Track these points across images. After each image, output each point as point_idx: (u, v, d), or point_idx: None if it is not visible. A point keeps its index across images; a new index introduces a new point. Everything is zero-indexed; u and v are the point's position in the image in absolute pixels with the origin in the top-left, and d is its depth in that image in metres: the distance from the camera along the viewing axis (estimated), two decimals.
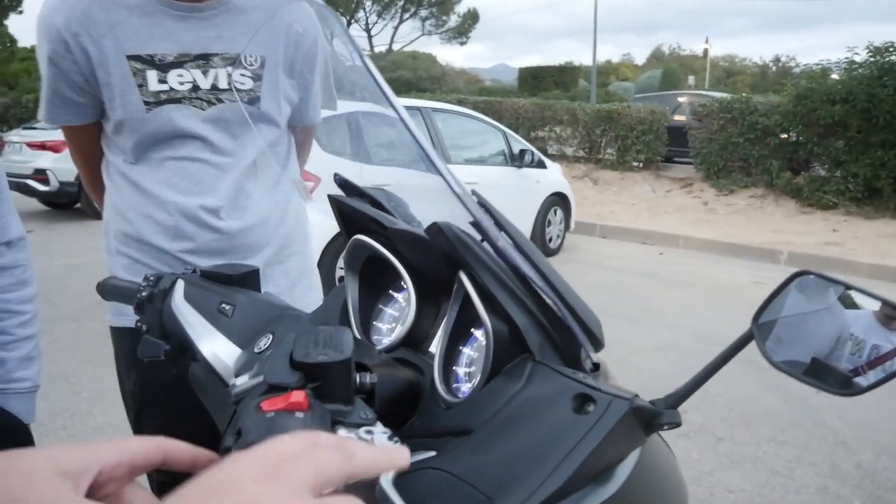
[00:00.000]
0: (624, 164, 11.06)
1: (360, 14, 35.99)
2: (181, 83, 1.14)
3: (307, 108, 1.32)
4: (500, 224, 0.69)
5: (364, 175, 4.39)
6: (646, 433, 0.66)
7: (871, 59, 8.17)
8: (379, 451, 0.44)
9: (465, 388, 0.76)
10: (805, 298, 0.73)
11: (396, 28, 37.87)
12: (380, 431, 0.53)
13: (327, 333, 0.58)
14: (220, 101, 1.17)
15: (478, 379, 0.73)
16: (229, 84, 1.17)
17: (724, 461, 2.78)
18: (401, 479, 0.62)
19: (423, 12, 36.78)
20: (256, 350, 0.71)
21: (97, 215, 1.31)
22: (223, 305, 0.78)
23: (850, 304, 0.71)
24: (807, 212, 8.51)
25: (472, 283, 0.69)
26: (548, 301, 0.68)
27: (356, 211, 0.87)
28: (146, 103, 1.12)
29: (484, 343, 0.77)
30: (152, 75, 1.12)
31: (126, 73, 1.11)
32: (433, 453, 0.64)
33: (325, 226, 4.41)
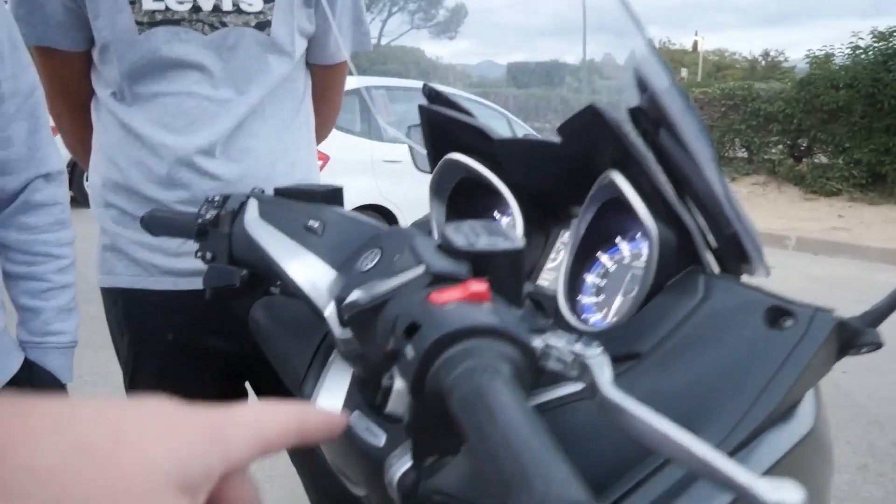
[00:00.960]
0: None
1: None
2: (180, 2, 0.98)
3: (327, 43, 1.14)
4: (668, 106, 0.57)
5: (375, 153, 4.27)
6: (837, 356, 0.55)
7: (876, 45, 8.12)
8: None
9: (595, 318, 0.64)
10: None
11: (385, 21, 37.62)
12: (570, 337, 0.41)
13: (484, 223, 0.46)
14: (223, 24, 1.01)
15: (618, 303, 0.62)
16: (234, 5, 1.01)
17: None
18: (551, 414, 0.51)
19: (412, 6, 36.58)
20: (363, 269, 0.59)
21: (88, 202, 1.14)
22: (310, 223, 0.65)
23: None
24: (810, 198, 8.46)
25: (629, 183, 0.57)
26: (723, 205, 0.57)
27: (452, 122, 0.75)
28: (138, 24, 0.97)
29: (612, 268, 0.66)
30: None
31: None
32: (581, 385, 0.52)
33: None
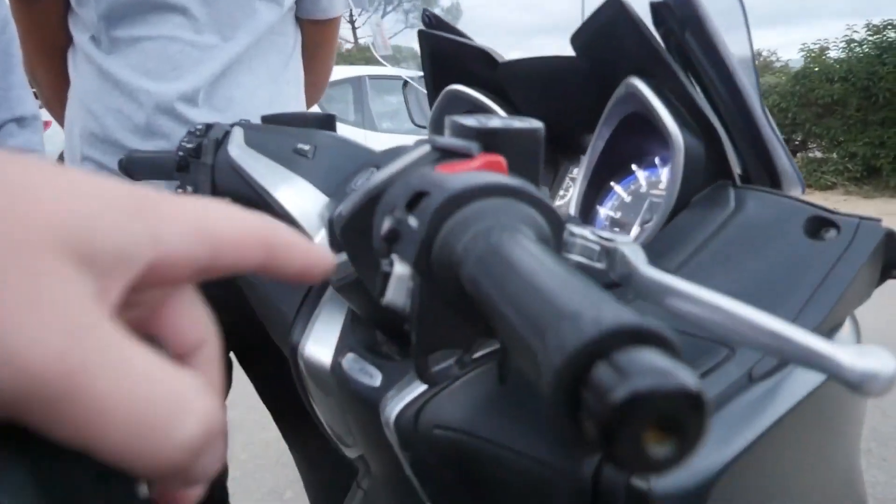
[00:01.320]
0: None
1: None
2: None
3: None
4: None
5: (369, 142, 4.20)
6: (883, 277, 0.50)
7: (871, 38, 8.12)
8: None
9: None
10: None
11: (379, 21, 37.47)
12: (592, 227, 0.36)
13: (489, 115, 0.41)
14: None
15: (639, 226, 0.57)
16: None
17: None
18: None
19: (406, 5, 36.40)
20: (356, 189, 0.53)
21: None
22: (300, 146, 0.60)
23: None
24: (806, 192, 8.44)
25: (653, 91, 0.52)
26: (756, 117, 0.52)
27: (456, 46, 0.70)
28: None
29: (628, 199, 0.61)
30: None
31: None
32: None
33: None
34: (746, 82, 0.51)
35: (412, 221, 0.30)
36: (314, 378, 0.60)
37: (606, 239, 0.34)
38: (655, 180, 0.61)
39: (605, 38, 0.54)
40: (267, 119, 0.66)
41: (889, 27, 8.00)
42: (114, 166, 0.97)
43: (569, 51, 0.58)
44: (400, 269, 0.31)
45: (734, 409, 0.37)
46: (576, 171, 0.70)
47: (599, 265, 0.34)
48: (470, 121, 0.38)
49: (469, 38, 0.71)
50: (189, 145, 0.66)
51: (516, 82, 0.66)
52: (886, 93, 7.70)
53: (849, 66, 7.98)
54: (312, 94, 1.20)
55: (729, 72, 0.51)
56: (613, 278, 0.33)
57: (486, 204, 0.28)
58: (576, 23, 0.56)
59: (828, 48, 8.79)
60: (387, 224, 0.32)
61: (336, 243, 0.43)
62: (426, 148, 0.37)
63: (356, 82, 4.07)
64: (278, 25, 1.03)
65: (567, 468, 0.35)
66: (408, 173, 0.36)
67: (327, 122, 0.65)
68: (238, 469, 2.21)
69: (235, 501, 2.02)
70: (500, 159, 0.33)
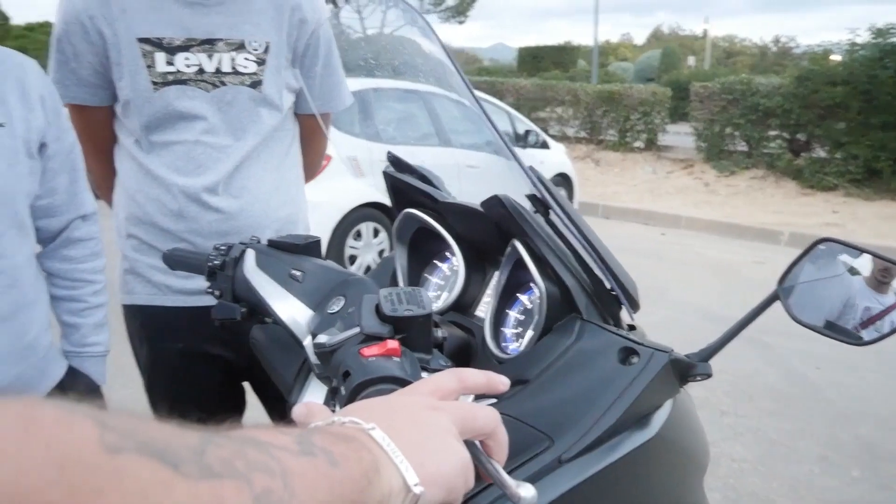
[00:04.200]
0: (625, 146, 11.12)
1: None
2: (187, 66, 1.19)
3: (311, 97, 1.34)
4: (553, 196, 0.77)
5: (374, 153, 4.45)
6: (680, 384, 0.75)
7: (873, 41, 8.20)
8: (485, 377, 0.52)
9: (514, 346, 0.84)
10: (819, 267, 0.81)
11: (388, 8, 37.38)
12: None
13: (407, 292, 0.65)
14: (223, 83, 1.21)
15: (528, 337, 0.81)
16: (232, 68, 1.21)
17: (728, 432, 2.89)
18: None
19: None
20: (330, 311, 0.78)
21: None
22: (293, 272, 0.85)
23: (855, 272, 0.79)
24: (807, 193, 8.58)
25: (525, 250, 0.77)
26: (593, 266, 0.76)
27: (408, 185, 0.95)
28: (154, 83, 1.17)
29: (530, 306, 0.85)
30: (160, 57, 1.17)
31: (136, 55, 1.16)
32: (493, 400, 0.72)
33: (335, 206, 4.51)
34: (592, 247, 0.76)
35: (343, 389, 0.55)
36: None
37: None
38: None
39: (498, 212, 0.78)
40: (272, 244, 0.91)
41: (893, 31, 8.07)
42: (151, 242, 1.24)
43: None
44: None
45: (544, 483, 0.62)
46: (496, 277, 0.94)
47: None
48: (388, 307, 0.62)
49: (422, 176, 0.96)
50: (216, 261, 0.91)
51: (451, 215, 0.91)
52: (886, 96, 7.81)
53: (850, 69, 8.09)
54: (310, 171, 1.46)
55: (582, 237, 0.76)
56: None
57: (379, 387, 0.53)
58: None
59: (832, 51, 8.90)
60: (333, 383, 0.57)
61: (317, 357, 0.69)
62: (357, 330, 0.61)
63: (360, 95, 4.30)
64: (279, 125, 1.29)
65: None
66: (349, 344, 0.61)
67: (314, 247, 0.90)
68: None
69: None
70: (396, 345, 0.58)
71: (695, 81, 10.83)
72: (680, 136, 11.44)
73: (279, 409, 1.41)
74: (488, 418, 0.48)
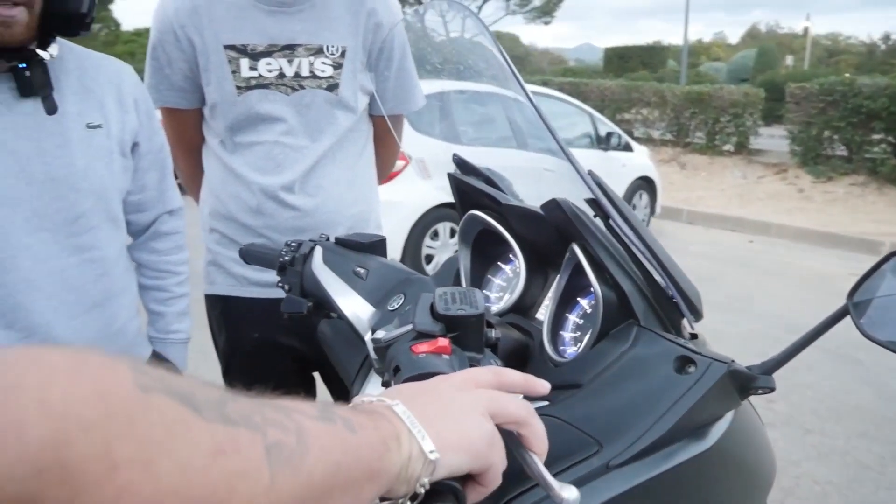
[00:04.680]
0: (713, 149, 10.72)
1: None
2: (269, 70, 1.25)
3: (383, 100, 1.38)
4: (613, 201, 0.77)
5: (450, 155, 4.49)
6: (741, 396, 0.73)
7: None
8: (523, 377, 0.54)
9: (571, 350, 0.84)
10: None
11: (480, 8, 37.58)
12: None
13: (462, 292, 0.67)
14: (301, 87, 1.27)
15: (585, 341, 0.81)
16: (311, 72, 1.27)
17: (812, 452, 2.75)
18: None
19: None
20: (390, 308, 0.81)
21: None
22: (357, 269, 0.89)
23: None
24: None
25: (584, 254, 0.77)
26: (653, 272, 0.75)
27: (472, 188, 0.96)
28: (238, 88, 1.24)
29: (590, 310, 0.85)
30: (244, 63, 1.24)
31: (223, 61, 1.24)
32: (546, 403, 0.72)
33: (412, 206, 4.58)
34: (655, 256, 0.75)
35: (393, 383, 0.57)
36: None
37: None
38: None
39: (557, 215, 0.78)
40: (339, 241, 0.94)
41: None
42: (232, 236, 1.32)
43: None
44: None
45: (589, 488, 0.62)
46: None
47: None
48: (441, 306, 0.64)
49: (487, 178, 0.98)
50: (286, 257, 0.95)
51: (513, 218, 0.92)
52: None
53: None
54: (383, 171, 1.50)
55: (644, 244, 0.75)
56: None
57: None
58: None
59: None
60: (385, 377, 0.60)
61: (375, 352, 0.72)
62: (410, 327, 0.63)
63: (440, 97, 4.35)
64: (354, 126, 1.34)
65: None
66: (402, 340, 0.63)
67: (379, 246, 0.93)
68: None
69: None
70: (446, 343, 0.59)
71: (791, 82, 10.31)
72: (774, 139, 10.92)
73: (346, 400, 1.46)
74: (520, 407, 0.50)
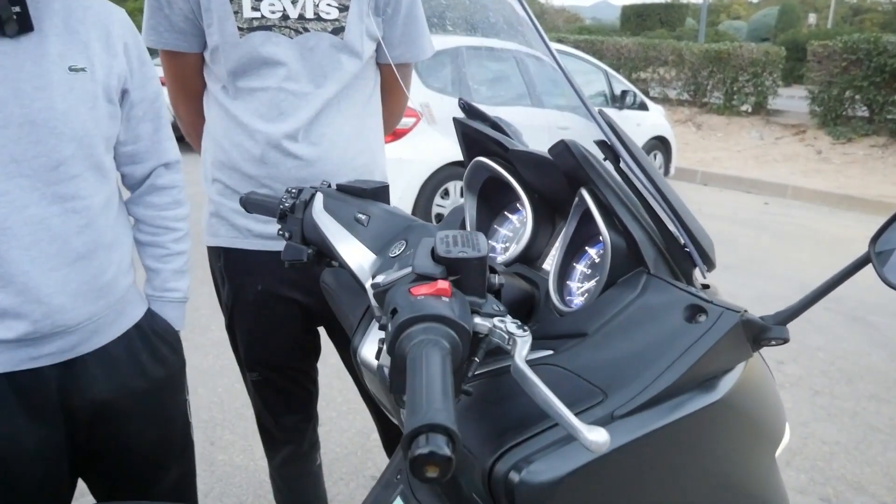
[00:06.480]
0: (731, 109, 10.51)
1: None
2: (272, 11, 1.20)
3: (390, 46, 1.33)
4: (625, 144, 0.73)
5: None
6: (753, 348, 0.70)
7: None
8: None
9: (578, 300, 0.81)
10: None
11: None
12: (510, 321, 0.60)
13: (464, 235, 0.64)
14: (306, 30, 1.22)
15: (592, 289, 0.78)
16: (315, 14, 1.21)
17: (821, 413, 2.73)
18: (492, 378, 0.68)
19: None
20: (392, 255, 0.79)
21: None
22: (359, 215, 0.86)
23: None
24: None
25: (592, 199, 0.74)
26: (665, 219, 0.72)
27: (479, 133, 0.92)
28: (240, 29, 1.19)
29: (598, 260, 0.82)
30: (247, 3, 1.18)
31: (224, 0, 1.18)
32: (551, 352, 0.70)
33: (423, 163, 4.53)
34: (667, 200, 0.71)
35: (390, 326, 0.55)
36: (365, 371, 0.87)
37: (511, 334, 0.57)
38: None
39: (565, 159, 0.75)
40: (340, 188, 0.91)
41: None
42: (235, 187, 1.29)
43: None
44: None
45: None
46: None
47: (508, 347, 0.58)
48: (441, 249, 0.61)
49: (494, 123, 0.94)
50: (286, 203, 0.93)
51: (520, 164, 0.88)
52: None
53: None
54: (390, 122, 1.46)
55: (655, 189, 0.72)
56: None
57: (424, 325, 0.53)
58: None
59: None
60: (383, 319, 0.58)
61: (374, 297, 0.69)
62: (409, 270, 0.61)
63: (453, 53, 4.25)
64: (360, 73, 1.29)
65: (479, 459, 0.59)
66: (401, 283, 0.60)
67: (382, 193, 0.90)
68: (334, 410, 2.58)
69: (332, 437, 2.39)
70: (447, 286, 0.57)
71: (813, 40, 10.03)
72: (793, 100, 10.68)
73: (348, 355, 1.45)
74: None
